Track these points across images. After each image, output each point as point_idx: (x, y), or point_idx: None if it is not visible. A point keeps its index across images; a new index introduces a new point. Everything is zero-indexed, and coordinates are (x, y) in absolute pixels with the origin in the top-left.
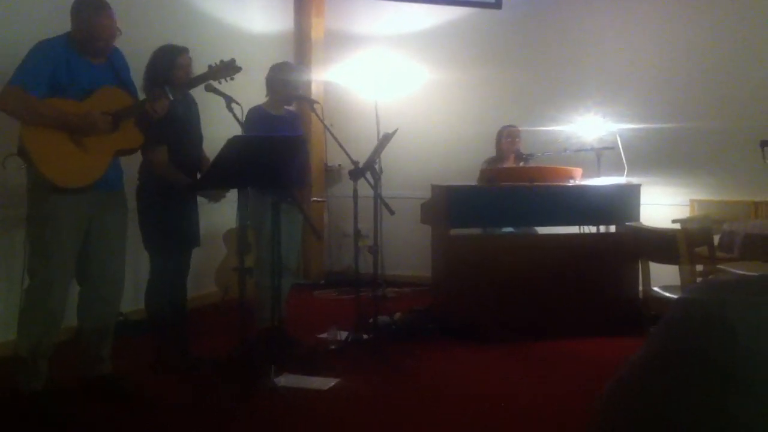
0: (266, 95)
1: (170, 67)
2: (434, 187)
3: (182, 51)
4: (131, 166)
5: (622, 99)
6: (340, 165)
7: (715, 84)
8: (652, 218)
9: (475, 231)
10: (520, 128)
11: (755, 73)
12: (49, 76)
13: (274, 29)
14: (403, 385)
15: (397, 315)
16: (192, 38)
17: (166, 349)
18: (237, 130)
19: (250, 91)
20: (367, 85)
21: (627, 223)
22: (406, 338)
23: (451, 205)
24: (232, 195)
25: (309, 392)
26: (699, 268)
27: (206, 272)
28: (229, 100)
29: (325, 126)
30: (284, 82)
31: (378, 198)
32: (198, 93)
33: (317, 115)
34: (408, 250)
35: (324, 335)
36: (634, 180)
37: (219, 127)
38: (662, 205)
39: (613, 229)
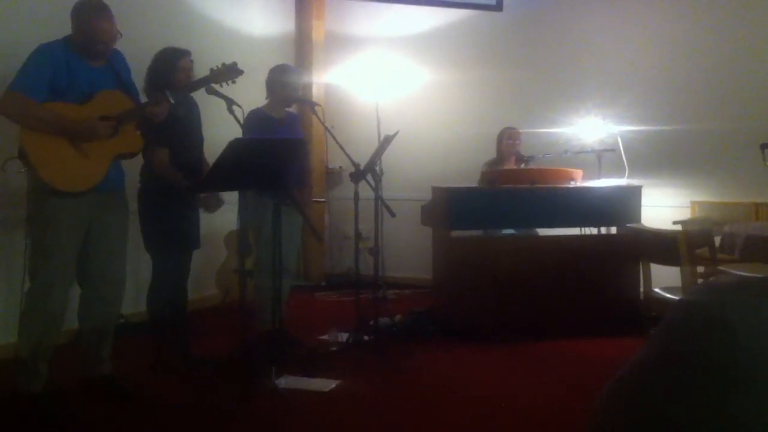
0: (266, 97)
1: (172, 70)
2: (435, 189)
3: (184, 54)
4: (132, 167)
5: (622, 101)
6: (341, 167)
7: (715, 86)
8: (652, 220)
9: (476, 233)
10: (520, 130)
11: (756, 74)
12: (49, 81)
13: (274, 32)
14: (404, 386)
15: (398, 317)
16: (192, 41)
17: (166, 350)
18: (238, 133)
19: (250, 93)
20: (367, 87)
21: (628, 225)
22: (407, 339)
23: (452, 207)
24: (232, 197)
25: (309, 393)
26: (700, 269)
27: (207, 274)
28: (230, 103)
29: (325, 128)
30: (284, 84)
31: (379, 200)
32: (199, 95)
33: (318, 117)
34: (409, 252)
35: (325, 336)
36: (635, 182)
37: (220, 129)
38: (663, 207)
39: (614, 230)
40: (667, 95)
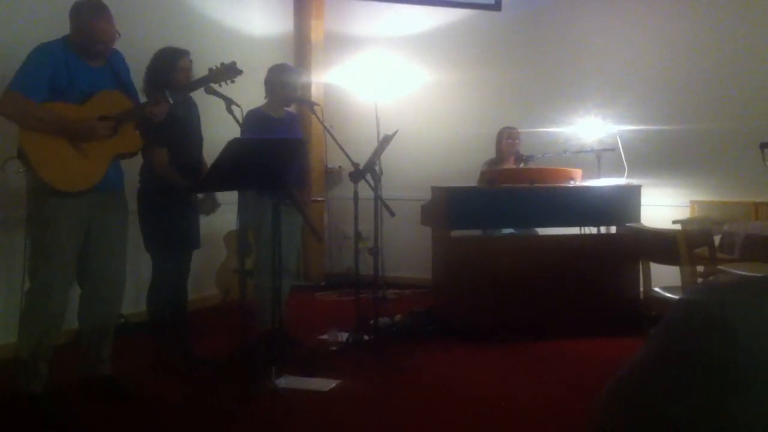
0: (265, 97)
1: (171, 70)
2: (434, 189)
3: (183, 54)
4: (132, 167)
5: (622, 100)
6: (340, 167)
7: (715, 85)
8: (652, 219)
9: (476, 232)
10: (520, 130)
11: (756, 74)
12: (49, 80)
13: (273, 31)
14: (403, 386)
15: (398, 316)
16: (192, 40)
17: (166, 350)
18: (237, 132)
19: (249, 93)
20: (366, 86)
21: (627, 224)
22: (407, 339)
23: (451, 207)
24: (231, 197)
25: (309, 393)
26: (699, 269)
27: (207, 274)
28: (229, 102)
29: (325, 128)
30: (283, 84)
31: (378, 199)
32: (198, 95)
33: (317, 116)
34: (408, 252)
35: (325, 336)
36: (635, 181)
37: (219, 129)
38: (662, 206)
39: (613, 230)
40: (666, 95)
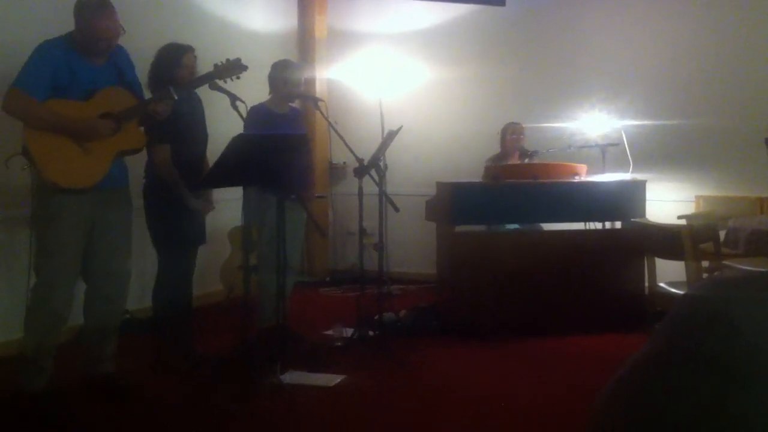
0: (269, 93)
1: (175, 66)
2: (439, 185)
3: (187, 50)
4: (137, 164)
5: (626, 95)
6: (344, 163)
7: (720, 80)
8: (657, 214)
9: (481, 228)
10: (524, 125)
11: (761, 69)
12: (51, 78)
13: (277, 28)
14: (409, 382)
15: (403, 312)
16: (195, 37)
17: (167, 349)
18: (242, 128)
19: (253, 89)
20: (370, 82)
21: (632, 220)
22: (411, 335)
23: (456, 202)
24: (235, 193)
25: (314, 389)
26: (705, 264)
27: (211, 270)
28: (233, 99)
29: (329, 123)
30: (285, 80)
31: (383, 195)
32: (202, 91)
33: (322, 112)
34: (413, 248)
35: (330, 332)
36: (640, 176)
37: (223, 125)
38: (668, 202)
39: (618, 225)
40: (671, 90)
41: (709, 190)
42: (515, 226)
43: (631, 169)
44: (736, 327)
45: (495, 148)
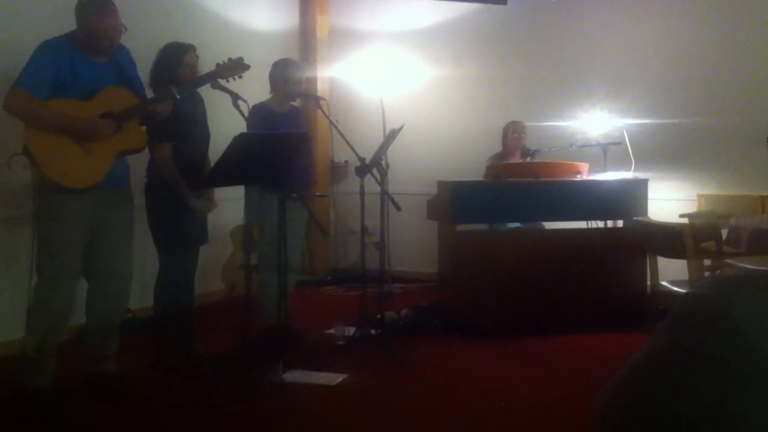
0: (270, 92)
1: (177, 65)
2: (440, 183)
3: (189, 49)
4: (139, 164)
5: (628, 94)
6: (346, 161)
7: (722, 79)
8: (659, 213)
9: (482, 227)
10: (525, 124)
11: (763, 68)
12: (52, 78)
13: (278, 27)
14: (411, 381)
15: (404, 311)
16: (196, 35)
17: (167, 349)
18: (244, 127)
19: (255, 88)
20: (372, 81)
21: (634, 218)
22: (412, 334)
23: (457, 201)
24: (236, 192)
25: (317, 388)
26: (707, 262)
27: (213, 269)
28: (235, 98)
29: (331, 122)
30: (286, 79)
31: (384, 194)
32: (204, 90)
33: (323, 111)
34: (414, 247)
35: (331, 331)
36: (641, 175)
37: (225, 124)
38: (669, 200)
39: (620, 224)
40: (673, 88)
41: (710, 189)
42: (517, 225)
43: (632, 168)
44: (737, 326)
45: (496, 147)
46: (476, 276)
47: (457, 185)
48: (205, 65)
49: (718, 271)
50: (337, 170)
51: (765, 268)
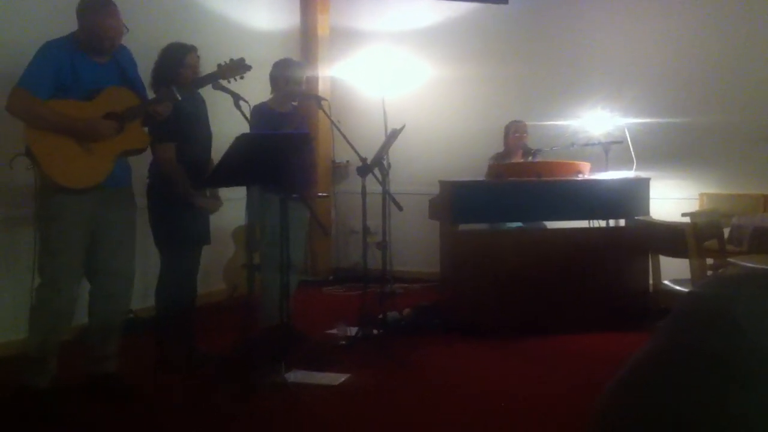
0: (271, 92)
1: (178, 66)
2: (442, 183)
3: (190, 50)
4: (141, 164)
5: (629, 93)
6: (347, 161)
7: (723, 77)
8: (661, 212)
9: (483, 226)
10: (527, 123)
11: (764, 66)
12: (54, 78)
13: (279, 26)
14: (411, 380)
15: (406, 311)
16: (197, 36)
17: (169, 349)
18: (245, 128)
19: (256, 88)
20: (373, 81)
21: (636, 217)
22: (414, 334)
23: (459, 201)
24: (238, 192)
25: (319, 388)
26: (709, 261)
27: (215, 269)
28: (237, 98)
29: (332, 122)
30: (286, 79)
31: (386, 194)
32: (206, 91)
33: (325, 111)
34: (416, 246)
35: (333, 331)
36: (643, 174)
37: (227, 124)
38: (671, 199)
39: (622, 223)
40: (675, 87)
41: (712, 188)
42: (518, 224)
43: (634, 167)
44: (738, 325)
45: (498, 147)
46: (478, 275)
47: (458, 185)
48: (207, 66)
49: (720, 270)
50: (338, 170)
51: (767, 267)
